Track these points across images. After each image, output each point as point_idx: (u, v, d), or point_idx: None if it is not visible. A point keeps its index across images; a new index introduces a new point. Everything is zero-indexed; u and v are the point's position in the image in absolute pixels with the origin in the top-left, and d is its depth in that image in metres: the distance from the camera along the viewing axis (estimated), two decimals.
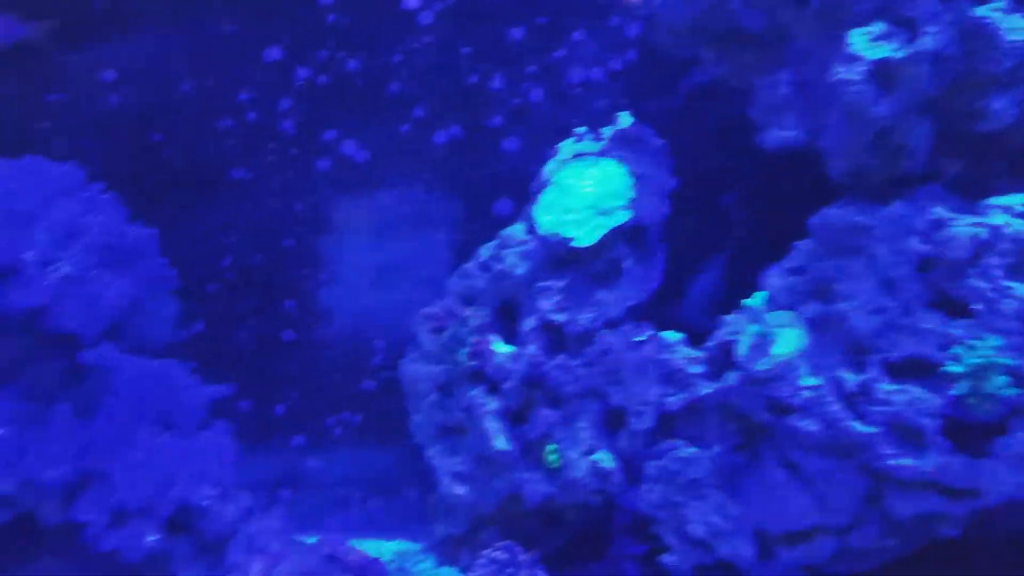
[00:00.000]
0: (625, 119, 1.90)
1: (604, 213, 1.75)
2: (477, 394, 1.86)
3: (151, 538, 2.02)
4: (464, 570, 2.14)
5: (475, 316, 1.88)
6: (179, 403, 2.11)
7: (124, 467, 2.00)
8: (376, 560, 2.25)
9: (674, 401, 1.70)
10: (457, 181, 2.39)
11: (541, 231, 1.80)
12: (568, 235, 1.76)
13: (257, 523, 2.25)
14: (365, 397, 2.58)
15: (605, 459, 1.75)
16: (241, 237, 2.49)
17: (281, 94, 2.37)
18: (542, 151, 2.31)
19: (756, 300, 1.69)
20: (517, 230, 1.95)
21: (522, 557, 1.78)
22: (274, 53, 2.34)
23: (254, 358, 2.53)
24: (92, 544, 2.02)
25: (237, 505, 2.20)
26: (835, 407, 1.56)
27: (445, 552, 2.12)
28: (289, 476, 2.64)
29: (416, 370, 2.06)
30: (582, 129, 1.98)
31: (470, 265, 2.05)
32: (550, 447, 1.77)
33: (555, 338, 1.82)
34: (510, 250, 1.93)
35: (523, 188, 2.35)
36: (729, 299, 1.78)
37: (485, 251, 2.04)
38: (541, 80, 2.28)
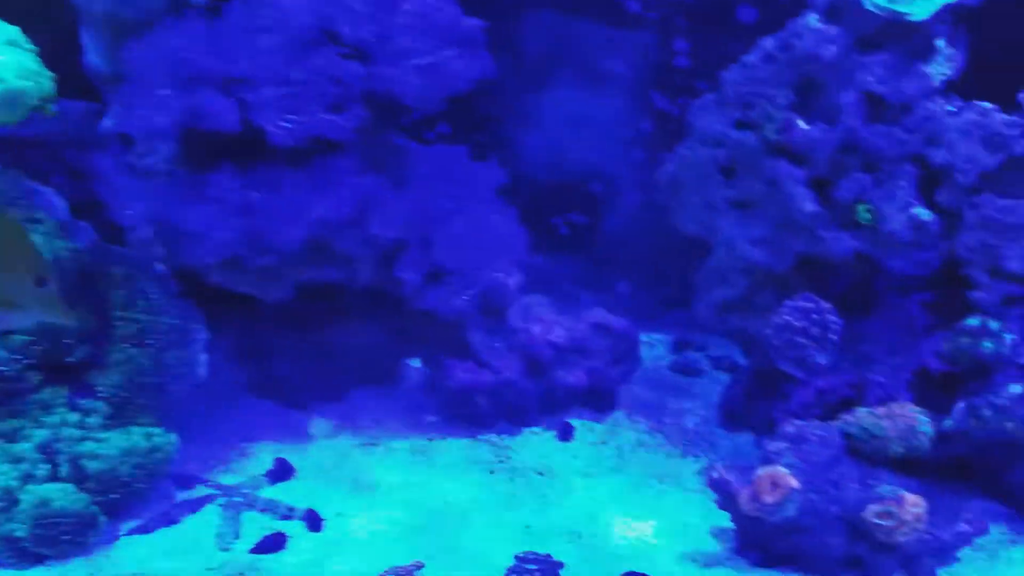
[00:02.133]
0: None
1: None
2: (782, 164, 2.09)
3: (464, 297, 2.29)
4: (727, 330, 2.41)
5: (780, 95, 2.10)
6: (476, 185, 2.35)
7: (442, 235, 2.24)
8: (634, 326, 2.55)
9: (991, 161, 1.96)
10: None
11: (869, 6, 1.98)
12: (902, 11, 1.96)
13: (529, 297, 2.54)
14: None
15: (923, 212, 2.02)
16: None
17: None
18: None
19: None
20: (811, 20, 2.11)
21: (824, 304, 2.06)
22: None
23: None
24: (409, 302, 2.28)
25: (516, 280, 2.47)
26: None
27: (710, 317, 2.39)
28: None
29: (696, 155, 2.29)
30: None
31: (751, 57, 2.24)
32: (863, 205, 2.01)
33: (872, 109, 2.05)
34: (805, 37, 2.09)
35: None
36: None
37: (768, 43, 2.21)
38: None
